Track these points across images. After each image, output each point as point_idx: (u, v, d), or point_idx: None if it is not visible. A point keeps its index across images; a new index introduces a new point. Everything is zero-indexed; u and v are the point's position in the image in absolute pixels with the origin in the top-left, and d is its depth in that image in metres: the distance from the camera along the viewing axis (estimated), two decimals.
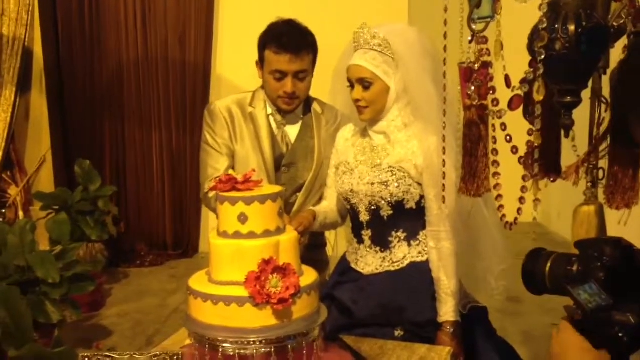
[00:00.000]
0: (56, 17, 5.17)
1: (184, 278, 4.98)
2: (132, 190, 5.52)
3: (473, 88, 1.45)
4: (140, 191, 5.53)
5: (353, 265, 2.12)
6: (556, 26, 1.28)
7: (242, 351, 1.56)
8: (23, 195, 4.92)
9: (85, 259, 4.18)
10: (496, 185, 1.59)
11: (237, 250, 1.59)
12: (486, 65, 1.47)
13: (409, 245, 2.03)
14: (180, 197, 5.55)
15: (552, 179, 1.49)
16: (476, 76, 1.45)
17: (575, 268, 1.25)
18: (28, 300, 2.95)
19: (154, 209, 5.54)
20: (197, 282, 1.65)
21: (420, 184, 1.99)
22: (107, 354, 1.51)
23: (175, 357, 1.51)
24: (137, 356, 1.52)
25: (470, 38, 1.48)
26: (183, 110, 5.41)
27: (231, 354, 1.56)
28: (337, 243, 2.38)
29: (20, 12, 4.75)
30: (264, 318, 1.55)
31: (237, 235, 1.60)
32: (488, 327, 2.10)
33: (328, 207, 2.20)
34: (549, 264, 1.30)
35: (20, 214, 4.86)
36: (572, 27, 1.28)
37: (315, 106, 2.38)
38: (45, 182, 4.97)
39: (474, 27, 1.48)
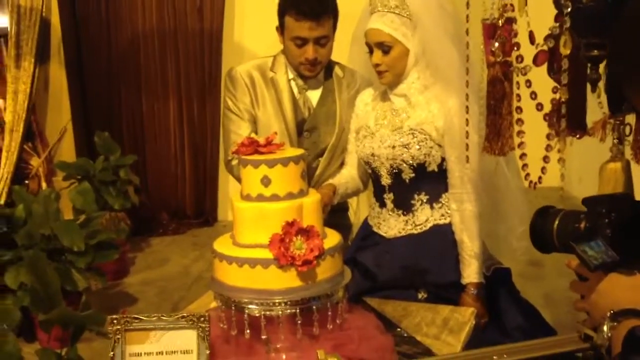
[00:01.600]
0: None
1: (206, 246, 5.05)
2: (151, 160, 5.54)
3: (497, 44, 1.43)
4: (159, 160, 5.55)
5: (375, 229, 2.12)
6: None
7: (267, 312, 1.57)
8: (45, 166, 4.96)
9: (108, 227, 4.21)
10: (520, 144, 1.58)
11: (261, 213, 1.59)
12: (510, 21, 1.45)
13: (432, 207, 2.03)
14: (199, 166, 5.57)
15: (577, 136, 1.48)
16: (500, 32, 1.43)
17: (582, 225, 1.24)
18: (55, 267, 2.99)
19: (174, 178, 5.57)
20: (222, 244, 1.66)
21: (441, 146, 1.98)
22: (135, 316, 1.53)
23: (202, 319, 1.53)
24: (164, 318, 1.53)
25: None
26: (200, 78, 5.40)
27: (257, 315, 1.57)
28: (360, 208, 2.38)
29: None
30: (289, 279, 1.56)
31: (260, 197, 1.60)
32: (511, 288, 2.10)
33: (348, 175, 2.20)
34: (557, 222, 1.27)
35: (43, 184, 4.90)
36: None
37: (337, 70, 2.36)
38: (67, 152, 5.00)
39: None
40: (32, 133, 4.93)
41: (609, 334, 1.08)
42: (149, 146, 5.51)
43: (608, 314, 1.10)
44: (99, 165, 4.35)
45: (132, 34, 5.34)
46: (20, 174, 4.81)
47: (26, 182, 4.86)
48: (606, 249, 1.17)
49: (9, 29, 4.76)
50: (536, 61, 1.40)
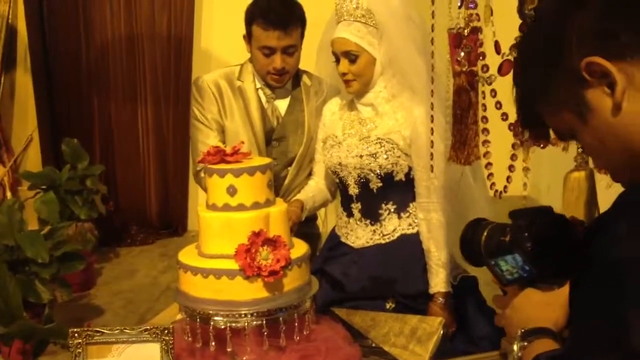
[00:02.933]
0: None
1: (175, 256, 4.96)
2: (121, 169, 5.45)
3: (462, 54, 1.44)
4: (128, 169, 5.47)
5: (343, 239, 2.11)
6: None
7: (233, 324, 1.56)
8: (10, 175, 4.87)
9: (75, 238, 4.13)
10: (486, 154, 1.59)
11: (227, 223, 1.58)
12: (476, 30, 1.46)
13: (399, 217, 2.02)
14: (167, 175, 5.51)
15: (541, 145, 1.49)
16: (466, 42, 1.44)
17: (507, 238, 1.23)
18: (17, 279, 2.92)
19: (143, 187, 5.49)
20: (187, 255, 1.64)
21: (408, 155, 1.97)
22: (98, 329, 1.50)
23: (166, 332, 1.50)
24: (127, 331, 1.51)
25: (459, 3, 1.47)
26: (169, 85, 5.35)
27: (222, 326, 1.56)
28: (328, 217, 2.37)
29: None
30: (255, 290, 1.55)
31: (226, 207, 1.59)
32: (478, 297, 2.10)
33: (315, 187, 2.19)
34: (485, 234, 1.27)
35: (8, 194, 4.82)
36: None
37: (305, 79, 2.35)
38: (33, 161, 4.92)
39: None
40: None
41: (519, 354, 1.06)
42: (118, 154, 5.42)
43: (519, 333, 1.08)
44: (64, 174, 4.26)
45: (101, 40, 5.27)
46: None
47: None
48: (523, 264, 1.16)
49: None
50: (501, 70, 1.41)
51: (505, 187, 1.64)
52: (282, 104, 2.32)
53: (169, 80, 5.32)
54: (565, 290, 1.08)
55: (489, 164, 1.58)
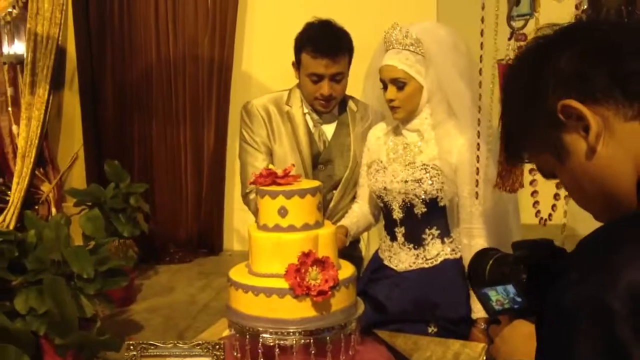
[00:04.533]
0: (89, 16, 5.25)
1: (212, 275, 5.07)
2: (160, 188, 5.58)
3: None
4: (167, 189, 5.60)
5: (386, 262, 2.14)
6: None
7: (281, 341, 1.59)
8: (56, 192, 5.02)
9: (117, 254, 4.25)
10: (532, 181, 1.61)
11: (277, 243, 1.62)
12: None
13: (443, 242, 2.05)
14: (206, 195, 5.61)
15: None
16: None
17: (507, 269, 1.24)
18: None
19: (181, 207, 5.61)
20: (238, 274, 1.68)
21: (453, 181, 2.01)
22: (152, 342, 1.55)
23: (217, 347, 1.55)
24: (180, 345, 1.56)
25: (509, 36, 1.51)
26: (206, 108, 5.47)
27: (271, 344, 1.59)
28: (371, 240, 2.41)
29: (54, 11, 4.84)
30: (304, 309, 1.58)
31: (277, 228, 1.64)
32: None
33: (359, 212, 2.23)
34: (490, 262, 1.28)
35: (53, 210, 4.96)
36: None
37: (351, 104, 2.41)
38: (77, 179, 5.06)
39: (513, 24, 1.51)
40: (44, 159, 5.00)
41: None
42: (157, 174, 5.56)
43: None
44: (109, 192, 4.40)
45: (146, 62, 5.43)
46: (30, 199, 4.86)
47: (36, 207, 4.91)
48: (515, 295, 1.17)
49: (25, 56, 4.86)
50: None
51: (550, 215, 1.66)
52: (329, 129, 2.38)
53: (208, 103, 5.44)
54: None
55: (535, 192, 1.61)
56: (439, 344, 1.93)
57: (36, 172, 4.95)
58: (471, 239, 2.00)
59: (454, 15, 3.92)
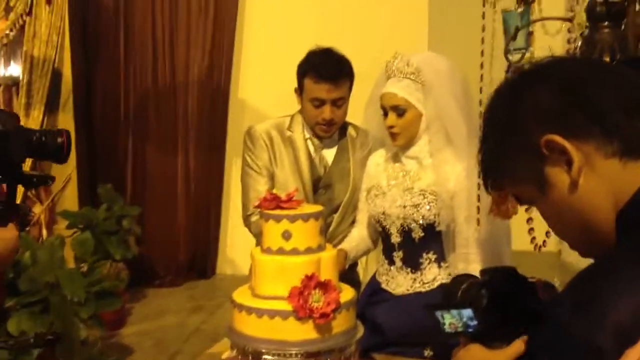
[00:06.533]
0: (85, 39, 5.30)
1: (203, 299, 5.06)
2: (152, 211, 5.58)
3: None
4: (159, 212, 5.60)
5: (384, 286, 2.17)
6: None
7: None
8: (47, 214, 5.01)
9: (109, 277, 4.24)
10: (527, 208, 1.66)
11: (281, 266, 1.66)
12: None
13: (439, 266, 2.09)
14: (199, 219, 5.62)
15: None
16: None
17: (475, 293, 1.25)
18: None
19: (173, 231, 5.61)
20: (242, 296, 1.72)
21: (450, 207, 2.05)
22: None
23: None
24: None
25: (506, 68, 1.57)
26: (202, 132, 5.51)
27: None
28: (369, 265, 2.44)
29: (50, 34, 4.89)
30: (306, 331, 1.61)
31: (280, 251, 1.67)
32: None
33: (358, 236, 2.27)
34: (464, 286, 1.29)
35: (44, 232, 4.95)
36: (607, 59, 1.37)
37: (350, 130, 2.47)
38: (70, 201, 5.05)
39: (510, 58, 1.57)
40: None
41: None
42: (149, 197, 5.57)
43: None
44: (101, 214, 4.40)
45: (142, 86, 5.48)
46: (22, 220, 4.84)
47: (27, 229, 4.89)
48: (468, 319, 1.20)
49: (21, 78, 4.89)
50: None
51: (544, 241, 1.71)
52: (329, 154, 2.44)
53: (204, 127, 5.49)
54: (507, 351, 1.11)
55: (530, 219, 1.65)
56: None
57: (28, 194, 4.95)
58: (468, 264, 2.04)
59: (443, 47, 4.04)
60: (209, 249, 5.64)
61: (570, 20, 1.37)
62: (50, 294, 3.26)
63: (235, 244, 5.58)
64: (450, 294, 1.30)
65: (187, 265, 5.59)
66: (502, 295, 1.18)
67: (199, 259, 5.64)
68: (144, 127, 5.52)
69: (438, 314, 1.24)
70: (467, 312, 1.21)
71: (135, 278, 5.16)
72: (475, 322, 1.20)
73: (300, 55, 2.40)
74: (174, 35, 5.45)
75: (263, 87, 5.19)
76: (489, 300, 1.19)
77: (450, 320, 1.22)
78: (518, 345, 1.10)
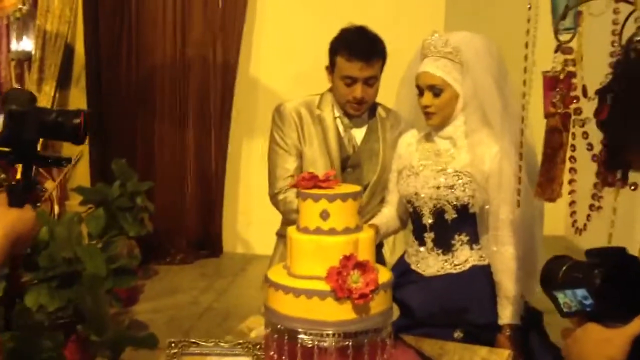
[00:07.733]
0: (98, 15, 5.25)
1: (214, 277, 5.05)
2: (162, 188, 5.55)
3: (558, 97, 1.50)
4: (169, 190, 5.58)
5: (413, 267, 2.16)
6: None
7: (320, 343, 1.61)
8: (59, 190, 5.00)
9: (122, 254, 4.23)
10: (571, 192, 1.64)
11: (318, 246, 1.64)
12: (570, 75, 1.52)
13: (471, 248, 2.08)
14: (207, 197, 5.61)
15: (632, 188, 1.54)
16: (562, 86, 1.50)
17: (580, 275, 1.28)
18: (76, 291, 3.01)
19: (182, 208, 5.60)
20: (277, 275, 1.70)
21: (484, 189, 2.04)
22: (194, 340, 1.57)
23: (258, 347, 1.57)
24: (221, 344, 1.58)
25: (555, 48, 1.54)
26: (211, 109, 5.48)
27: (309, 345, 1.61)
28: (396, 246, 2.43)
29: (63, 9, 4.84)
30: (343, 312, 1.60)
31: (318, 231, 1.65)
32: (543, 331, 2.14)
33: (389, 214, 2.26)
34: (564, 268, 1.31)
35: (56, 208, 4.93)
36: None
37: (380, 111, 2.45)
38: (81, 177, 5.04)
39: (560, 37, 1.53)
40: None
41: None
42: (160, 174, 5.54)
43: None
44: (115, 191, 4.38)
45: (153, 62, 5.43)
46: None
47: (38, 204, 4.88)
48: (582, 299, 1.21)
49: (33, 53, 4.85)
50: (600, 115, 1.47)
51: (585, 224, 1.69)
52: (359, 133, 2.42)
53: (213, 104, 5.45)
54: (627, 330, 1.12)
55: (573, 202, 1.64)
56: (465, 349, 1.95)
57: (40, 169, 4.92)
58: (501, 245, 2.03)
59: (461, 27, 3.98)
60: (217, 227, 5.63)
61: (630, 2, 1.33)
62: (73, 269, 3.25)
63: (244, 224, 5.57)
64: (552, 274, 1.31)
65: (196, 244, 5.58)
66: (616, 275, 1.19)
67: (207, 237, 5.63)
68: (154, 103, 5.48)
69: (553, 293, 1.24)
70: (581, 292, 1.22)
71: (147, 255, 5.16)
72: (590, 302, 1.20)
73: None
74: (186, 12, 5.39)
75: (275, 65, 5.14)
76: (602, 279, 1.20)
77: (564, 299, 1.22)
78: (638, 324, 1.10)
